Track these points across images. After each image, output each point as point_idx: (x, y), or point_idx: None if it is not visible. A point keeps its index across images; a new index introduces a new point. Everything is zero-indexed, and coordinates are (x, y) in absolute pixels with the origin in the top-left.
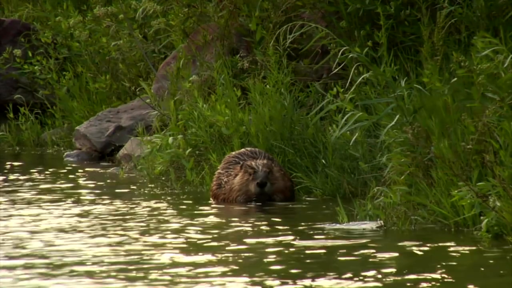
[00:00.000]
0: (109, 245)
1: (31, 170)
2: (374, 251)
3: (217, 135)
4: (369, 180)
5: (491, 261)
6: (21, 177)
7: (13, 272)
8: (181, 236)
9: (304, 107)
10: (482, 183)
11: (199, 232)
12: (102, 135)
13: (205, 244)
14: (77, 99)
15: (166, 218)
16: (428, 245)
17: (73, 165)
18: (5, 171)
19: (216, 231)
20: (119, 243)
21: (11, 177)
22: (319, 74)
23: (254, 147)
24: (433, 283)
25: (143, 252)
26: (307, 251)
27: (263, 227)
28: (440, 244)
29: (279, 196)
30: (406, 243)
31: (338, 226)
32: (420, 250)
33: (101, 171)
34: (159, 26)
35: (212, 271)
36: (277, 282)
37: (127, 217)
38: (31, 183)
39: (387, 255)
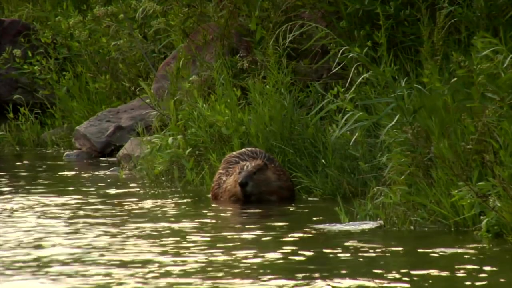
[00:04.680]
0: (109, 245)
1: (31, 170)
2: (374, 251)
3: (217, 135)
4: (369, 180)
5: (491, 261)
6: (21, 177)
7: (12, 273)
8: (180, 237)
9: (304, 107)
10: (482, 183)
11: (199, 232)
12: (102, 135)
13: (204, 245)
14: (77, 99)
15: (165, 218)
16: (428, 245)
17: (73, 165)
18: (5, 171)
19: (216, 232)
20: (119, 244)
21: (11, 177)
22: (319, 74)
23: (254, 147)
24: (433, 283)
25: (142, 252)
26: (306, 251)
27: (262, 228)
28: (440, 244)
29: (272, 197)
30: (406, 243)
31: (338, 226)
32: (420, 250)
33: (101, 171)
34: (159, 26)
35: (212, 272)
36: (278, 282)
37: (127, 217)
38: (31, 183)
39: (387, 255)
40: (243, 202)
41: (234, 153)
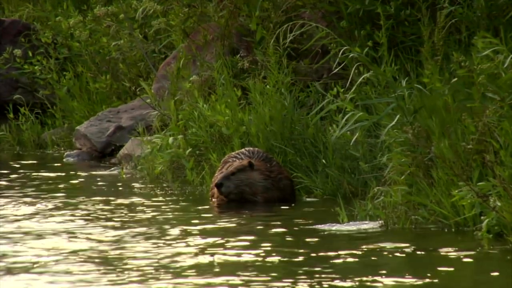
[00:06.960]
0: (108, 245)
1: (31, 171)
2: (374, 251)
3: (218, 135)
4: (369, 180)
5: (491, 261)
6: (21, 178)
7: (15, 274)
8: (180, 237)
9: (304, 107)
10: (482, 183)
11: (198, 233)
12: (103, 135)
13: (204, 246)
14: (77, 99)
15: (165, 218)
16: (429, 245)
17: (73, 165)
18: (5, 171)
19: (215, 232)
20: (119, 244)
21: (11, 177)
22: (319, 74)
23: (254, 147)
24: (434, 283)
25: (141, 252)
26: (306, 252)
27: (262, 228)
28: (441, 244)
29: (256, 198)
30: (407, 243)
31: (338, 226)
32: (421, 250)
33: (101, 171)
34: (159, 26)
35: (211, 273)
36: (278, 282)
37: (127, 217)
38: (31, 184)
39: (387, 255)
40: (226, 202)
41: (233, 153)
